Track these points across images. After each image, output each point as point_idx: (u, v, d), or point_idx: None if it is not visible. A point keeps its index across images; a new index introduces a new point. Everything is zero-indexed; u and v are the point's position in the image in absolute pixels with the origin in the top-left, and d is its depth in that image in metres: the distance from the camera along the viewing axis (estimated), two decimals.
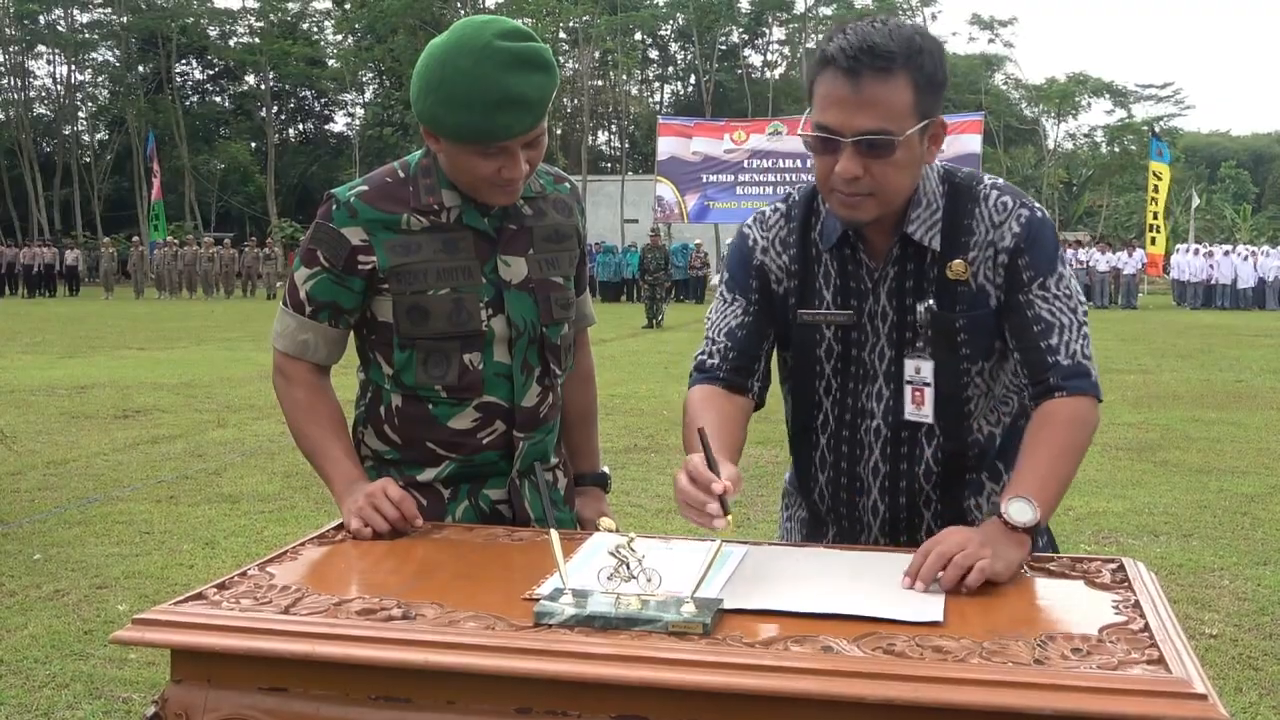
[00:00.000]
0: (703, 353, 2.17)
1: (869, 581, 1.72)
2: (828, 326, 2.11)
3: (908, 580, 1.70)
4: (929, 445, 2.09)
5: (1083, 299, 2.05)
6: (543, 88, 2.05)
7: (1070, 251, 30.67)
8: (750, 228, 2.19)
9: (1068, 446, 1.93)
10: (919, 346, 2.06)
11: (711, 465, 1.71)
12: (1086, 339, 2.01)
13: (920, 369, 2.06)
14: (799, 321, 2.13)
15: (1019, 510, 1.79)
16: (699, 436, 1.76)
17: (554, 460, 2.43)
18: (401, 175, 2.24)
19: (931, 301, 2.03)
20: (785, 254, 2.14)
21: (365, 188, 2.22)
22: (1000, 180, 2.09)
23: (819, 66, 1.93)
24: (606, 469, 2.62)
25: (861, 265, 2.08)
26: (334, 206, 2.20)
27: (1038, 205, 2.05)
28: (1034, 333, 1.99)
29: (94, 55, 59.47)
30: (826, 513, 2.21)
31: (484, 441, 2.27)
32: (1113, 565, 1.82)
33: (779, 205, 2.19)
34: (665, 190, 36.97)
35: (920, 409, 2.06)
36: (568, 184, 2.42)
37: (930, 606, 1.59)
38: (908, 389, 2.07)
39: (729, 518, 1.65)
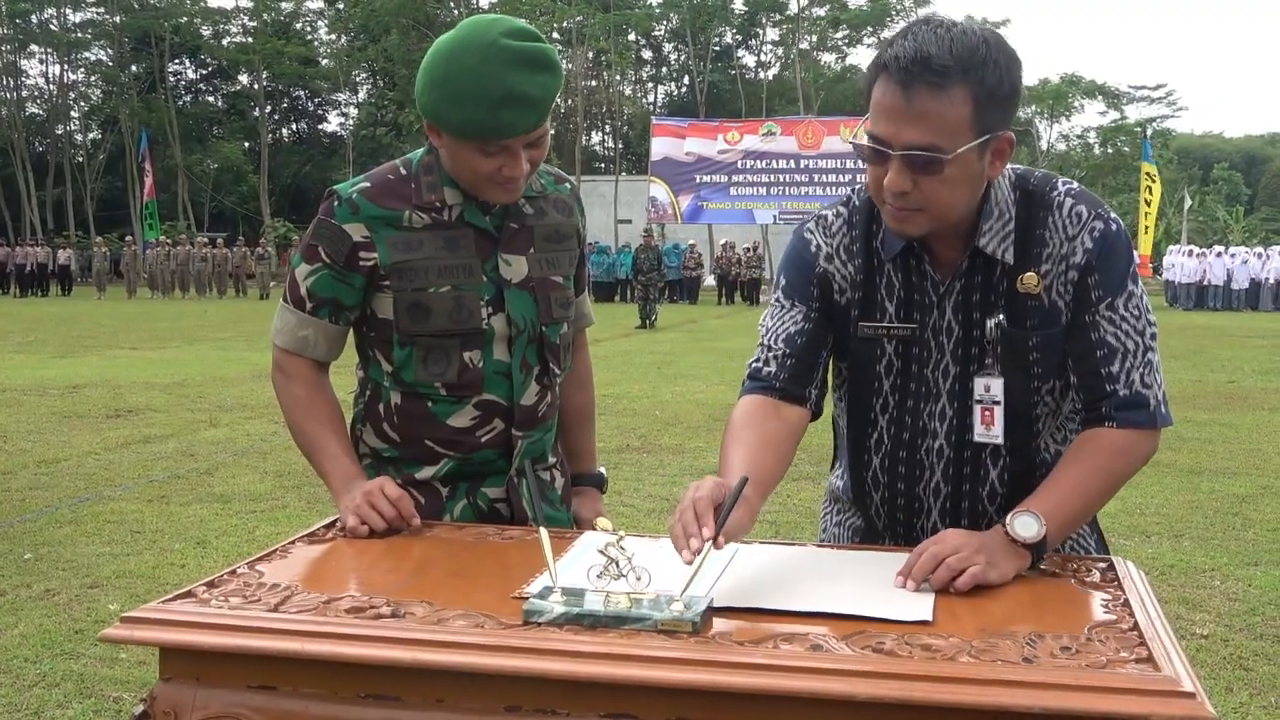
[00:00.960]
0: (757, 360, 2.05)
1: (858, 581, 1.72)
2: (889, 340, 2.01)
3: (900, 579, 1.70)
4: (994, 466, 2.00)
5: (1152, 317, 1.95)
6: (546, 87, 2.06)
7: None
8: (812, 233, 2.07)
9: (1100, 472, 1.87)
10: (988, 364, 1.96)
11: (725, 512, 1.66)
12: (1150, 365, 1.92)
13: (990, 387, 1.95)
14: (860, 335, 2.03)
15: (1023, 525, 1.76)
16: (735, 488, 1.70)
17: (551, 459, 2.43)
18: (404, 172, 2.24)
19: (1002, 317, 1.93)
20: (851, 263, 2.03)
21: (367, 184, 2.23)
22: (1075, 185, 1.96)
23: (874, 72, 1.81)
24: (603, 470, 2.64)
25: (926, 277, 1.98)
26: (335, 203, 2.20)
27: (1113, 215, 1.94)
28: (1096, 358, 1.91)
29: (87, 54, 59.46)
30: (884, 529, 2.13)
31: (482, 440, 2.27)
32: (1102, 564, 1.82)
33: (840, 209, 2.07)
34: (659, 191, 37.04)
35: (990, 429, 1.96)
36: (568, 184, 2.43)
37: (919, 606, 1.59)
38: (977, 409, 1.97)
39: (697, 557, 1.59)
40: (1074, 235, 1.91)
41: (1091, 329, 1.91)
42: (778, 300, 2.08)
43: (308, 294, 2.23)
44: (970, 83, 1.75)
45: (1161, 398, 1.92)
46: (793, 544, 2.05)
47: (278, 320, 2.29)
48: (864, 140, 1.83)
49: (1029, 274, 1.92)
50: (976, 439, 1.97)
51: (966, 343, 1.96)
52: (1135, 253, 1.99)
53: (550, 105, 2.08)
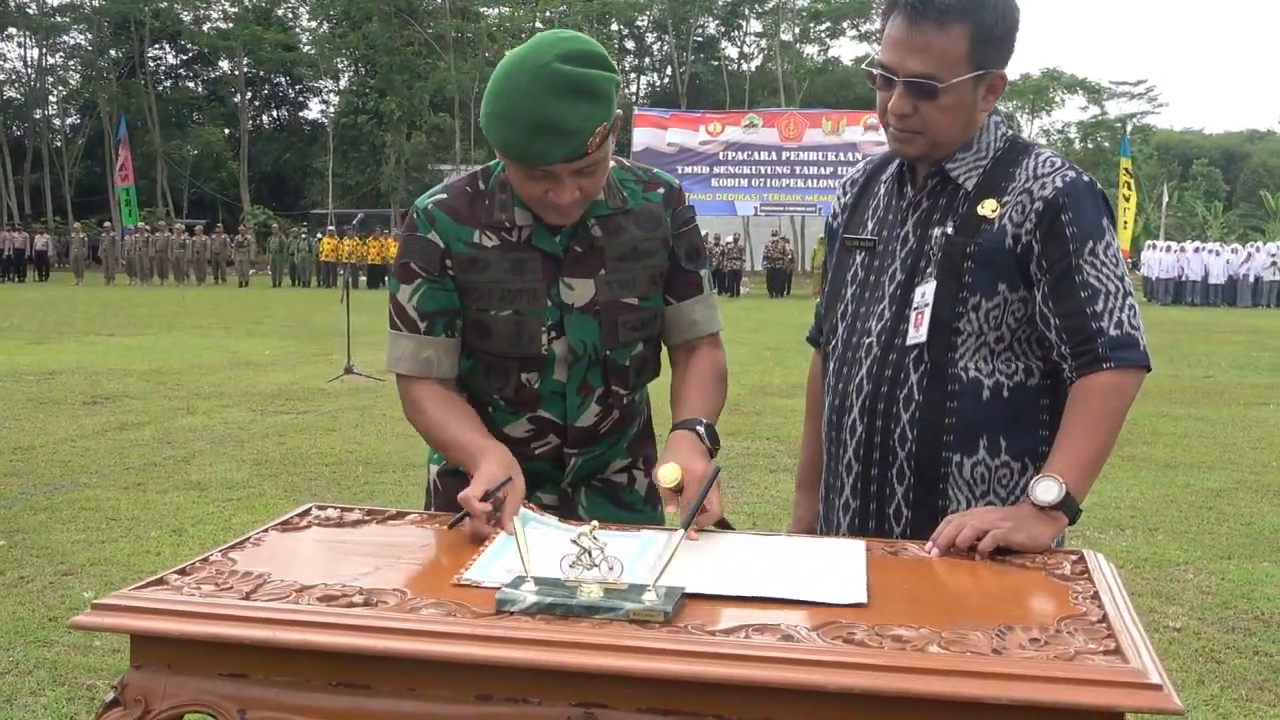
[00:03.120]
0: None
1: (795, 566, 1.73)
2: (860, 251, 2.23)
3: (930, 545, 1.83)
4: (915, 371, 2.10)
5: (1126, 270, 2.07)
6: (587, 118, 1.95)
7: None
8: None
9: (1105, 415, 1.97)
10: (928, 272, 2.10)
11: (695, 504, 1.84)
12: (1134, 309, 2.03)
13: (925, 293, 2.09)
14: (843, 245, 2.28)
15: (1044, 490, 1.88)
16: (708, 478, 1.91)
17: (623, 462, 2.39)
18: (481, 186, 2.20)
19: (950, 229, 2.09)
20: (849, 193, 2.34)
21: (444, 196, 2.21)
22: (1062, 153, 2.14)
23: (889, 7, 2.04)
24: (705, 421, 2.18)
25: (905, 196, 2.19)
26: (416, 216, 2.20)
27: (1090, 176, 2.08)
28: (1080, 299, 2.00)
29: (65, 38, 58.95)
30: (825, 441, 2.26)
31: (536, 452, 2.28)
32: (1073, 557, 1.83)
33: (873, 156, 2.37)
34: None
35: (918, 331, 2.09)
36: (661, 189, 2.28)
37: (853, 589, 1.62)
38: (911, 314, 2.10)
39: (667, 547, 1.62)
40: (1042, 175, 2.06)
41: (1075, 272, 2.01)
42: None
43: (418, 314, 2.19)
44: (969, 21, 1.99)
45: (1145, 342, 2.03)
46: (745, 532, 2.03)
47: (392, 349, 2.22)
48: (876, 69, 2.06)
49: (990, 200, 2.08)
50: (908, 342, 2.11)
51: (917, 253, 2.13)
52: (1109, 218, 2.08)
53: (591, 137, 1.97)
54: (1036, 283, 2.04)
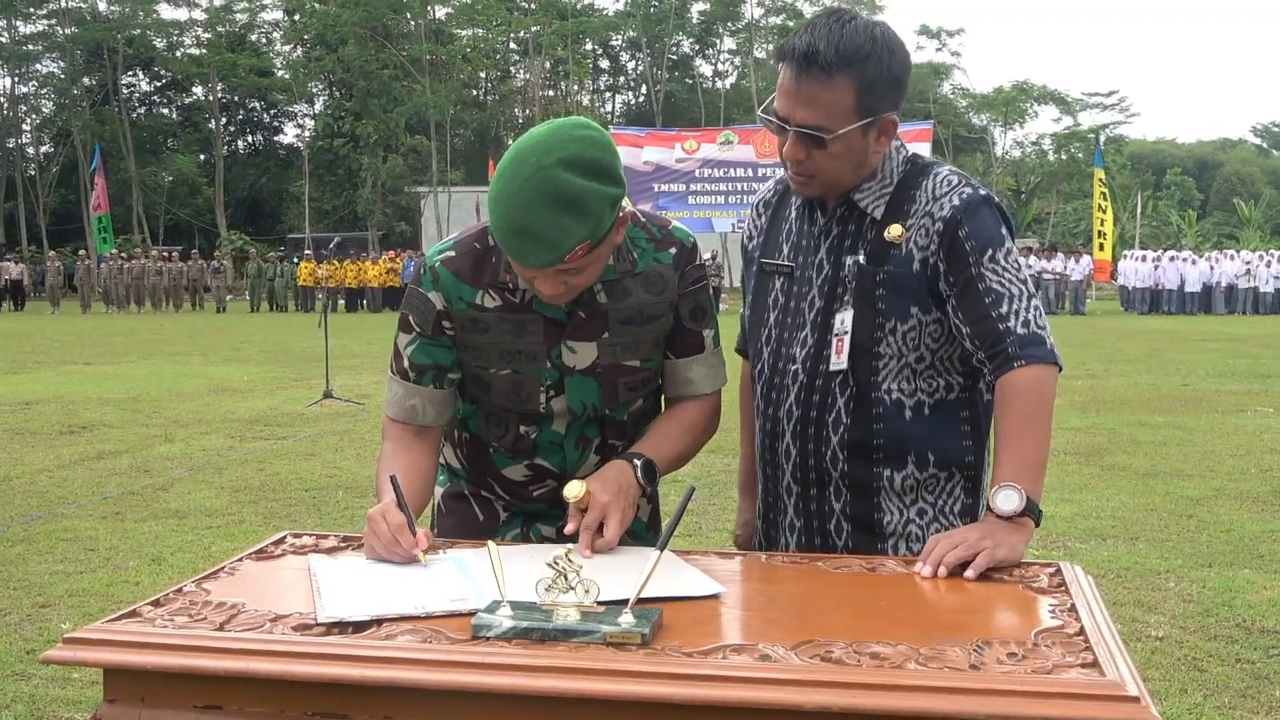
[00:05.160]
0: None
1: (661, 569, 1.68)
2: (778, 276, 2.27)
3: (921, 564, 1.86)
4: (842, 395, 2.16)
5: (1030, 276, 2.13)
6: (568, 233, 1.90)
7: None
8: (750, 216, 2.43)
9: (1033, 413, 2.01)
10: (845, 299, 2.16)
11: (673, 522, 1.77)
12: (1039, 310, 2.08)
13: (844, 320, 2.15)
14: (761, 269, 2.32)
15: (1005, 499, 1.92)
16: (682, 499, 1.83)
17: None
18: (490, 243, 2.17)
19: (861, 257, 2.14)
20: (764, 215, 2.38)
21: (452, 253, 2.19)
22: (959, 170, 2.18)
23: (779, 57, 2.09)
24: (651, 459, 2.18)
25: (816, 223, 2.22)
26: (423, 271, 2.21)
27: (986, 190, 2.14)
28: (985, 304, 2.06)
29: (38, 67, 58.73)
30: (760, 463, 2.32)
31: (535, 494, 2.33)
32: (1050, 570, 1.84)
33: (780, 179, 2.36)
34: None
35: (839, 357, 2.15)
36: (672, 249, 2.22)
37: (711, 584, 1.73)
38: (834, 341, 2.16)
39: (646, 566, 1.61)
40: (940, 196, 2.12)
41: (978, 280, 2.07)
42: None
43: (410, 365, 2.22)
44: (853, 74, 2.01)
45: (1053, 341, 2.08)
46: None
47: (387, 392, 2.28)
48: (771, 116, 2.10)
49: (895, 225, 2.13)
50: (831, 368, 2.16)
51: (833, 281, 2.18)
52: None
53: (572, 248, 1.92)
54: (945, 299, 2.10)
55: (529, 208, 1.89)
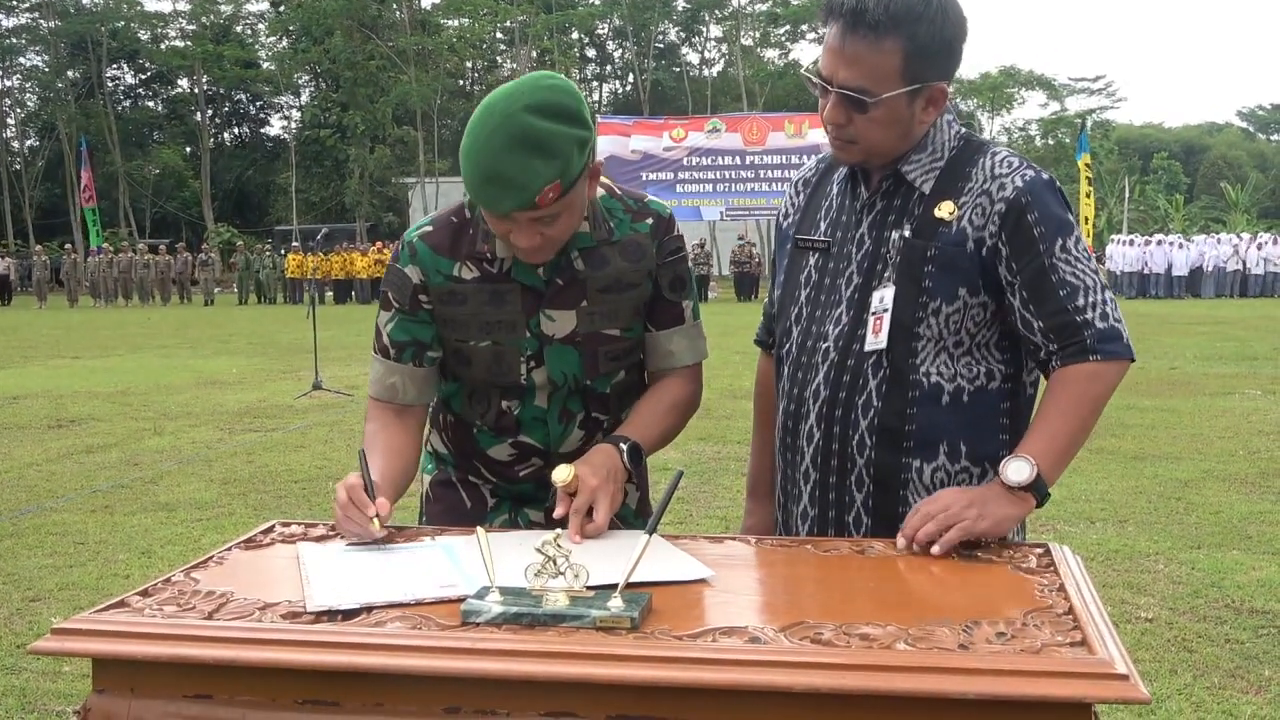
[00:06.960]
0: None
1: (648, 556, 1.68)
2: (813, 252, 2.17)
3: (900, 539, 1.82)
4: (874, 377, 2.05)
5: (1096, 262, 2.05)
6: (536, 174, 1.91)
7: None
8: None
9: (1082, 402, 1.95)
10: (886, 276, 2.05)
11: (660, 508, 1.72)
12: (1113, 301, 2.01)
13: (884, 298, 2.04)
14: (796, 245, 2.22)
15: (1015, 470, 1.87)
16: (670, 484, 1.79)
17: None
18: (468, 215, 2.20)
19: (908, 232, 2.04)
20: (802, 193, 2.28)
21: (430, 228, 2.21)
22: (1018, 152, 2.09)
23: (826, 12, 1.99)
24: (636, 442, 2.19)
25: (859, 197, 2.13)
26: (400, 247, 2.21)
27: (1049, 173, 2.05)
28: (1060, 297, 1.96)
29: (21, 60, 58.44)
30: (779, 447, 2.22)
31: (520, 474, 2.32)
32: (1039, 550, 1.84)
33: (824, 155, 2.27)
34: None
35: (877, 337, 2.04)
36: (649, 220, 2.24)
37: (701, 568, 1.72)
38: (870, 319, 2.05)
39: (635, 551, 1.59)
40: (1001, 175, 2.02)
41: (1050, 271, 1.97)
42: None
43: (390, 342, 2.22)
44: (903, 36, 1.92)
45: (1129, 334, 2.02)
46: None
47: (371, 372, 2.28)
48: (813, 75, 2.02)
49: (946, 202, 2.03)
50: (867, 348, 2.06)
51: (874, 258, 2.08)
52: (1070, 213, 2.06)
53: (539, 193, 1.92)
54: (1009, 286, 2.00)
55: (497, 153, 1.91)
